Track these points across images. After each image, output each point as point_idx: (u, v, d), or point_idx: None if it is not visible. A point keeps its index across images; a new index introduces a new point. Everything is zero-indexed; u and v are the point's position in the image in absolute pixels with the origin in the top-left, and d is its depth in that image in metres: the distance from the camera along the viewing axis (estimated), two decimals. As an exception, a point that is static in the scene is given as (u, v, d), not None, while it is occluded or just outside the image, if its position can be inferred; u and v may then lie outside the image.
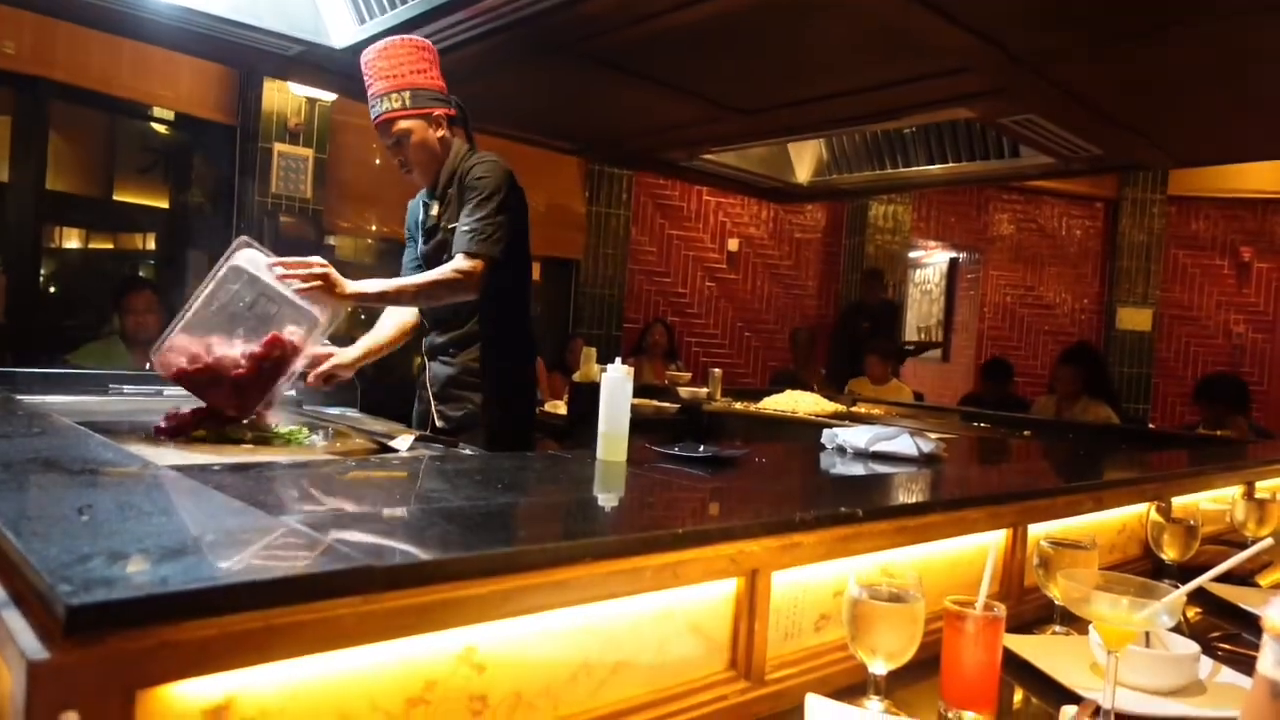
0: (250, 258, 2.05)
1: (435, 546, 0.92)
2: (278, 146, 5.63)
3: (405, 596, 0.81)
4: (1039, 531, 1.65)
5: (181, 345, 2.00)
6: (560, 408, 4.63)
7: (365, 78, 2.39)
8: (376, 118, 2.39)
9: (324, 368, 2.30)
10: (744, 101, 3.69)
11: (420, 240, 2.58)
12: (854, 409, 4.61)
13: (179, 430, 1.96)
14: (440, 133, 2.44)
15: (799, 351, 6.89)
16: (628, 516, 1.29)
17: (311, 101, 5.64)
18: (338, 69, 3.56)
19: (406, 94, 2.35)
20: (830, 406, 4.48)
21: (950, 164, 4.62)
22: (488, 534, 1.04)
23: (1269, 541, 1.16)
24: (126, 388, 2.83)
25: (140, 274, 6.12)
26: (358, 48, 3.24)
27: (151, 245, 6.31)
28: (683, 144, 4.46)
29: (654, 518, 1.29)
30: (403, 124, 2.37)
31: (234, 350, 2.00)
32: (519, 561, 0.90)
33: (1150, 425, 6.39)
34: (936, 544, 1.47)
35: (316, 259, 2.07)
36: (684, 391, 4.71)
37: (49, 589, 0.67)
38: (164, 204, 6.08)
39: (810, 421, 4.08)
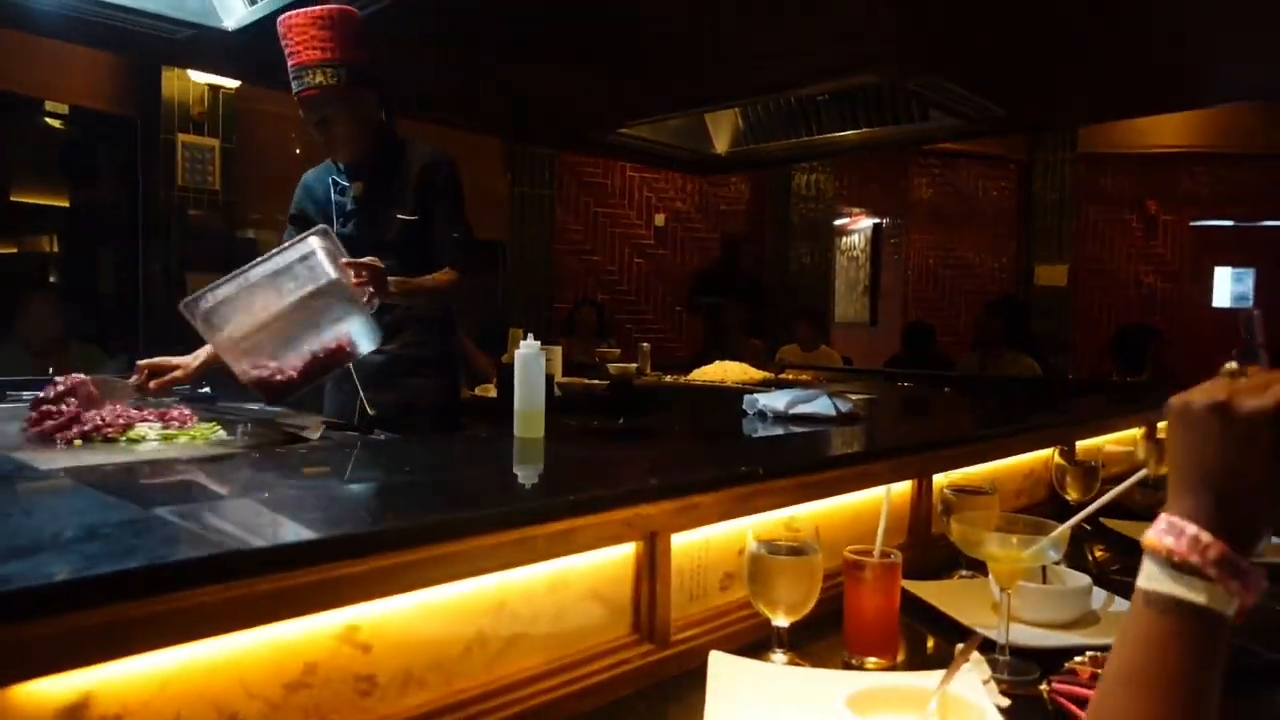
0: (326, 246, 1.95)
1: (313, 527, 0.90)
2: (181, 137, 5.42)
3: (276, 580, 0.79)
4: (943, 480, 1.69)
5: (233, 323, 1.87)
6: (491, 391, 4.59)
7: (287, 44, 2.23)
8: (303, 90, 2.24)
9: (165, 378, 2.15)
10: (652, 72, 3.67)
11: (336, 223, 2.49)
12: (783, 376, 4.67)
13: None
14: (371, 112, 2.36)
15: (728, 323, 6.94)
16: (524, 488, 1.28)
17: (214, 89, 5.44)
18: (234, 52, 3.44)
19: (343, 69, 2.21)
20: (759, 374, 4.52)
21: (864, 129, 4.68)
22: (373, 513, 1.02)
23: (1144, 472, 1.20)
24: (25, 394, 2.71)
25: (41, 275, 5.85)
26: (251, 29, 3.14)
27: (55, 247, 6.05)
28: (597, 120, 4.43)
29: (548, 487, 1.28)
30: (336, 103, 2.25)
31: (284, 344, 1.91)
32: (399, 538, 0.88)
33: (1069, 376, 6.62)
34: (842, 498, 1.49)
35: (373, 259, 2.00)
36: (613, 368, 4.71)
37: (-126, 594, 0.63)
38: (64, 203, 5.83)
39: (738, 390, 4.11)
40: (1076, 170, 8.37)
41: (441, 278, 2.35)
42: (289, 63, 2.24)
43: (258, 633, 0.80)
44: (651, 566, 1.14)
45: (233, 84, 5.43)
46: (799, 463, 1.42)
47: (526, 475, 1.41)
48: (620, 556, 1.13)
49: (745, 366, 4.72)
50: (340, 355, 1.96)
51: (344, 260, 1.94)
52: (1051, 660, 1.20)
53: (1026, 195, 8.54)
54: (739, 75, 3.69)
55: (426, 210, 2.40)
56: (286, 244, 1.99)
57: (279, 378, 1.92)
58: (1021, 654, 1.21)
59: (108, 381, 2.19)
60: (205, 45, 3.39)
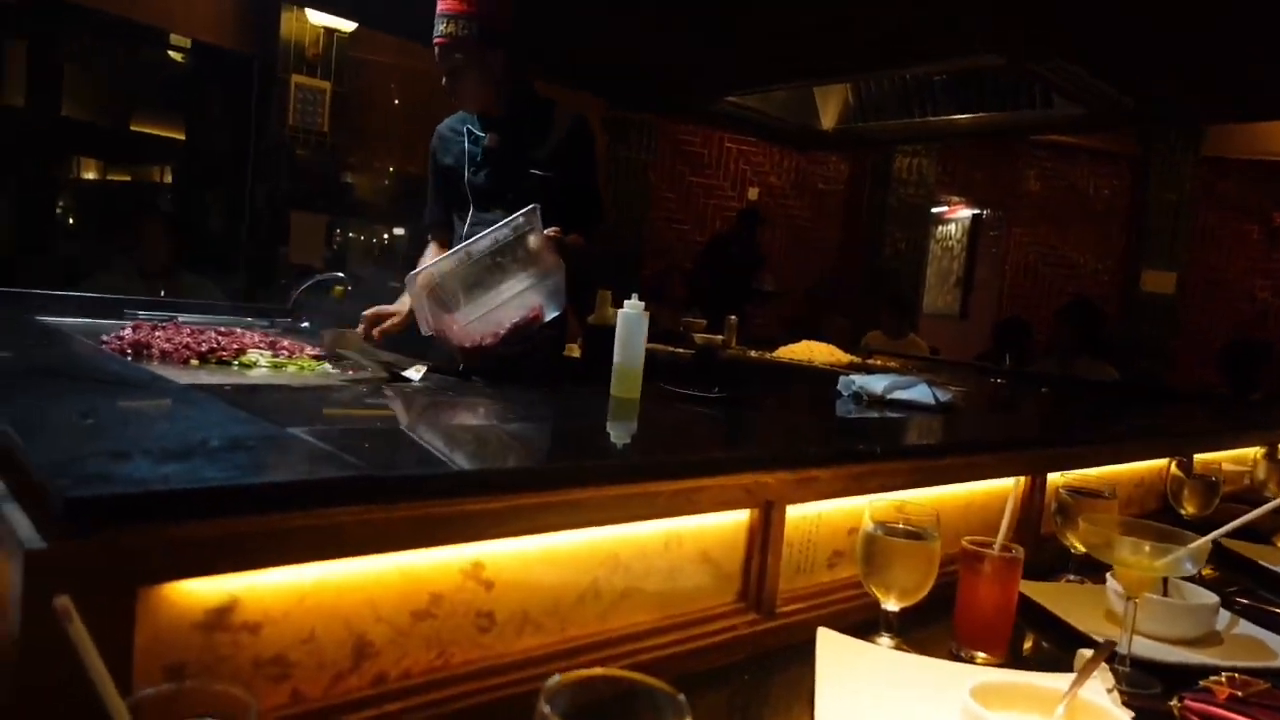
0: (536, 225, 2.06)
1: (441, 463, 0.90)
2: (295, 78, 5.54)
3: (410, 508, 0.79)
4: (1057, 480, 1.62)
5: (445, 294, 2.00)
6: (575, 351, 4.61)
7: None
8: (436, 37, 2.28)
9: (386, 325, 2.31)
10: (769, 41, 3.59)
11: (466, 170, 2.52)
12: (870, 361, 4.58)
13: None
14: (496, 70, 2.38)
15: (816, 302, 6.83)
16: (643, 444, 1.27)
17: (330, 32, 5.54)
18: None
19: (475, 23, 2.25)
20: (846, 357, 4.44)
21: (977, 114, 4.51)
22: (501, 453, 1.02)
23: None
24: (141, 313, 2.82)
25: (156, 204, 6.09)
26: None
27: (168, 178, 6.27)
28: (705, 87, 4.37)
29: (670, 445, 1.27)
30: (462, 55, 2.27)
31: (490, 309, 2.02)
32: (533, 479, 0.88)
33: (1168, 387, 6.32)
34: (951, 487, 1.44)
35: (556, 229, 2.10)
36: (699, 337, 4.68)
37: (48, 482, 0.65)
38: (180, 135, 6.03)
39: (825, 371, 4.04)
40: (1197, 172, 7.94)
41: (578, 240, 2.36)
42: (437, 6, 2.28)
43: (390, 558, 0.80)
44: (765, 536, 1.12)
45: (346, 28, 5.51)
46: (916, 446, 1.37)
47: (636, 433, 1.40)
48: (734, 522, 1.11)
49: (833, 348, 4.64)
50: (534, 322, 2.06)
51: (547, 233, 2.04)
52: (1173, 676, 1.14)
53: (1141, 195, 8.13)
54: (857, 48, 3.58)
55: (564, 169, 2.43)
56: (503, 222, 2.05)
57: (487, 342, 2.00)
58: (1142, 666, 1.15)
59: (338, 332, 2.34)
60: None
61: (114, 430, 0.86)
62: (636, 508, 0.97)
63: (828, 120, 5.07)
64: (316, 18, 5.37)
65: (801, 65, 3.91)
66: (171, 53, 5.91)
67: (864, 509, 1.17)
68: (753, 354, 4.58)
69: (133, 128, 5.94)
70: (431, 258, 2.65)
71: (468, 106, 2.43)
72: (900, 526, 1.15)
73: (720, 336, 4.70)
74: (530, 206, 2.04)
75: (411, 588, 0.83)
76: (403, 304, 2.40)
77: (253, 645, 0.73)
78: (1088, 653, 1.09)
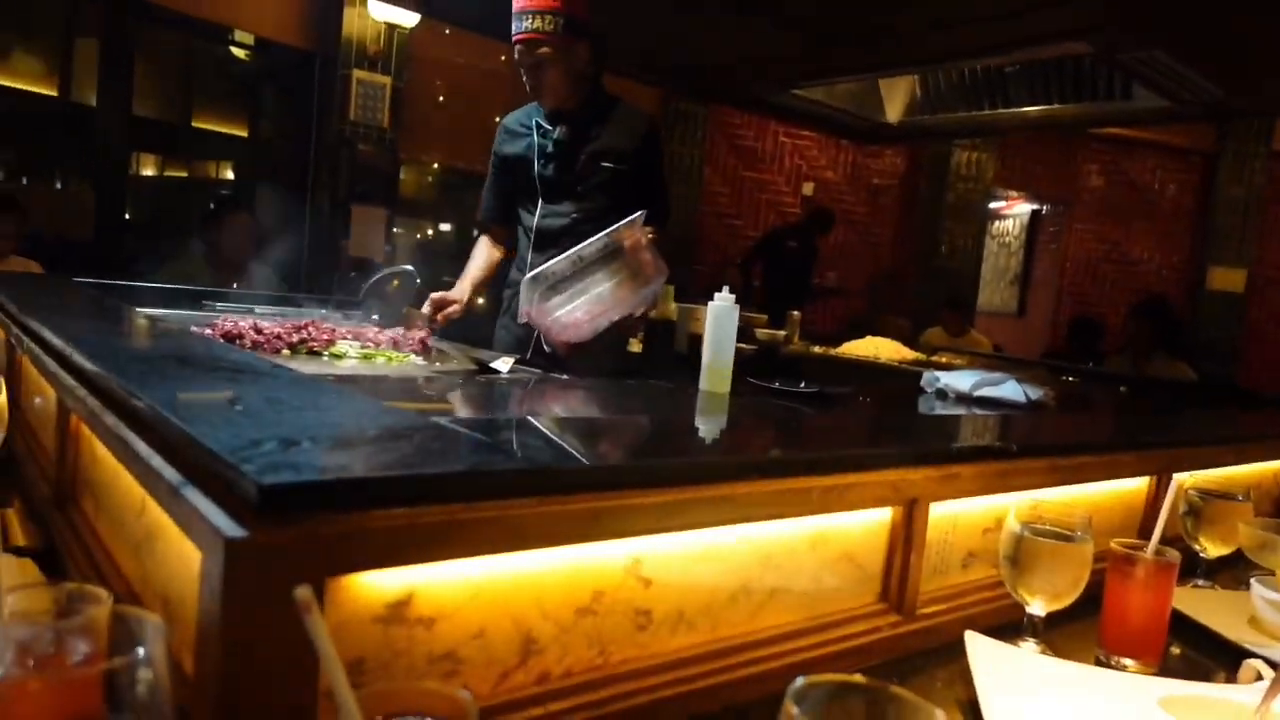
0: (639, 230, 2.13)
1: (601, 456, 0.87)
2: (357, 73, 5.58)
3: (579, 501, 0.76)
4: (1184, 481, 1.55)
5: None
6: (636, 345, 4.59)
7: None
8: (520, 33, 2.29)
9: (448, 310, 2.42)
10: (841, 32, 3.52)
11: (536, 162, 2.52)
12: (934, 358, 4.49)
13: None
14: (581, 63, 2.37)
15: (875, 299, 6.73)
16: (772, 440, 1.23)
17: (391, 27, 5.57)
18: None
19: (561, 18, 2.26)
20: (911, 354, 4.36)
21: (1052, 105, 4.39)
22: (651, 447, 0.99)
23: None
24: (219, 304, 2.85)
25: (236, 198, 6.16)
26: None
27: (229, 174, 6.36)
28: (772, 78, 4.31)
29: (809, 442, 1.23)
30: (549, 50, 2.29)
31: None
32: (692, 474, 0.84)
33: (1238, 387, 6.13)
34: (1083, 487, 1.38)
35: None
36: (761, 333, 4.62)
37: (234, 469, 0.63)
38: (243, 132, 6.11)
39: (892, 368, 3.97)
40: (1268, 167, 7.68)
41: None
42: (514, 5, 2.27)
43: (558, 553, 0.77)
44: (908, 534, 1.07)
45: (408, 23, 5.54)
46: (1052, 444, 1.32)
47: (763, 430, 1.36)
48: (877, 521, 1.06)
49: (897, 344, 4.57)
50: (627, 320, 2.15)
51: (648, 239, 2.12)
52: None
53: (1208, 191, 7.90)
54: (933, 37, 3.50)
55: (633, 165, 2.46)
56: (613, 228, 2.10)
57: (584, 337, 2.06)
58: (1306, 678, 1.09)
59: (408, 312, 2.44)
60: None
61: (268, 417, 0.84)
62: (788, 504, 0.93)
63: (893, 113, 4.99)
64: (379, 12, 5.40)
65: (873, 58, 3.84)
66: (235, 49, 5.98)
67: (1005, 508, 1.12)
68: (816, 350, 4.52)
69: (195, 124, 6.02)
70: (484, 252, 2.68)
71: (548, 102, 2.43)
72: (1046, 527, 1.10)
73: (783, 332, 4.65)
74: (638, 214, 2.07)
75: (576, 584, 0.80)
76: (462, 291, 2.51)
77: (427, 640, 0.71)
78: (1257, 664, 1.04)
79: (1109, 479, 1.39)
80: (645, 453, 0.89)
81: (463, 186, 6.88)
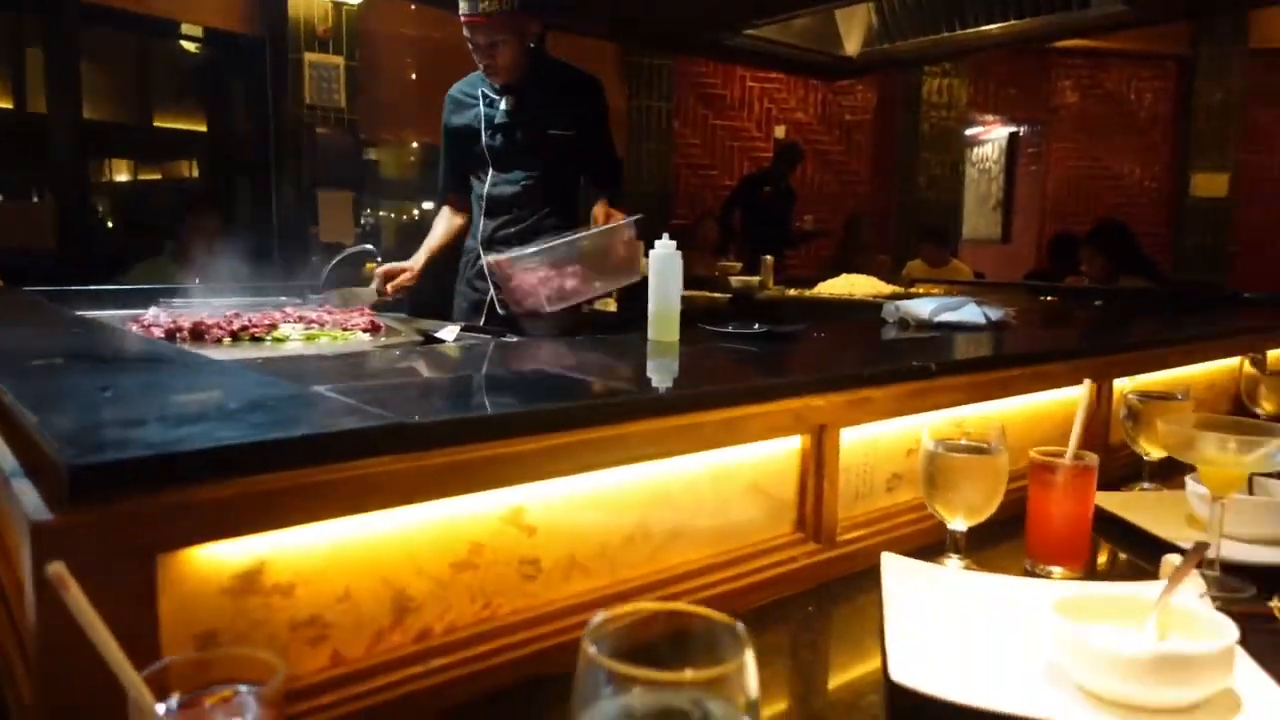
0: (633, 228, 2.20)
1: (474, 408, 0.86)
2: (308, 56, 5.49)
3: (443, 454, 0.75)
4: (1125, 386, 1.54)
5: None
6: (611, 305, 4.56)
7: None
8: (472, 15, 2.24)
9: (399, 280, 2.44)
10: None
11: (485, 135, 2.48)
12: (912, 290, 4.46)
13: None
14: (532, 37, 2.35)
15: (852, 237, 6.67)
16: (685, 379, 1.22)
17: (338, 6, 5.47)
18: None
19: None
20: (887, 288, 4.34)
21: (1010, 21, 4.31)
22: (534, 395, 0.97)
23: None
24: (175, 300, 2.83)
25: (200, 195, 6.10)
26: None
27: (194, 171, 6.30)
28: (721, 20, 4.22)
29: (713, 378, 1.21)
30: (503, 30, 2.25)
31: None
32: (571, 417, 0.83)
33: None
34: (1013, 400, 1.37)
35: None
36: (735, 281, 4.60)
37: (54, 453, 0.62)
38: (202, 127, 6.03)
39: (868, 303, 3.95)
40: (1247, 67, 7.55)
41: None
42: None
43: (426, 509, 0.76)
44: (819, 462, 1.06)
45: (354, 0, 5.44)
46: (972, 359, 1.30)
47: (678, 369, 1.34)
48: (786, 451, 1.05)
49: (873, 279, 4.54)
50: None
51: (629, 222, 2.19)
52: (1267, 577, 1.07)
53: (1186, 97, 7.77)
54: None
55: (580, 130, 2.43)
56: (609, 226, 2.20)
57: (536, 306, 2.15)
58: (1233, 570, 1.08)
59: (351, 292, 2.43)
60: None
61: (132, 400, 0.82)
62: (681, 441, 0.91)
63: (852, 45, 4.90)
64: (323, -9, 5.30)
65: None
66: (184, 43, 5.89)
67: (922, 428, 1.10)
68: (791, 293, 4.49)
69: (156, 124, 5.95)
70: (445, 220, 2.69)
71: (501, 78, 2.39)
72: (962, 443, 1.08)
73: (757, 278, 4.62)
74: (636, 216, 2.16)
75: (451, 538, 0.79)
76: (416, 260, 2.52)
77: (286, 608, 0.70)
78: (1175, 559, 1.03)
79: (1039, 391, 1.37)
80: (527, 400, 0.87)
81: (436, 163, 6.81)
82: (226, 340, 1.98)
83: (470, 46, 2.32)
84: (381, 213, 6.56)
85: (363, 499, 0.71)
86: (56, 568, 0.47)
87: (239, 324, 2.02)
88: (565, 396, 0.93)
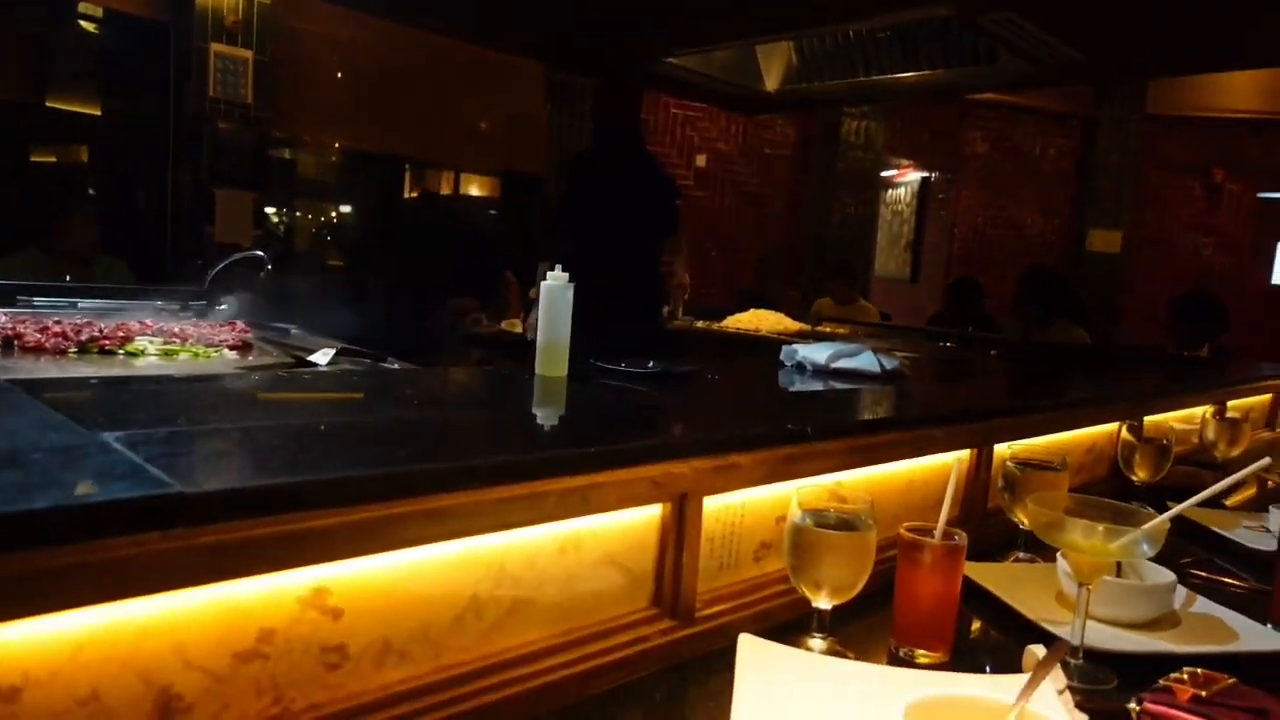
0: None
1: (279, 470, 0.76)
2: (214, 47, 5.24)
3: (224, 531, 0.65)
4: (1005, 451, 1.52)
5: None
6: (518, 326, 4.46)
7: None
8: None
9: None
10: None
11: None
12: (819, 328, 4.49)
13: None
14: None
15: (766, 270, 6.73)
16: (538, 435, 1.13)
17: (249, -1, 5.25)
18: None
19: None
20: (795, 325, 4.35)
21: (923, 70, 4.40)
22: (356, 456, 0.87)
23: (1267, 460, 1.02)
24: (37, 299, 2.62)
25: (74, 185, 5.76)
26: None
27: (86, 157, 5.95)
28: (645, 46, 4.20)
29: (568, 436, 1.13)
30: None
31: None
32: (381, 487, 0.73)
33: (1118, 345, 6.33)
34: (892, 465, 1.33)
35: None
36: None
37: None
38: (96, 111, 5.70)
39: (774, 340, 3.94)
40: (1142, 131, 7.95)
41: None
42: None
43: (200, 592, 0.66)
44: (679, 532, 0.99)
45: (267, -7, 5.23)
46: (850, 424, 1.25)
47: (544, 418, 1.26)
48: (644, 519, 0.98)
49: (781, 316, 4.56)
50: None
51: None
52: (1130, 667, 1.05)
53: (1086, 156, 8.13)
54: (799, 2, 3.44)
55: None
56: None
57: None
58: (1096, 658, 1.05)
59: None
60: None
61: None
62: (517, 513, 0.83)
63: (771, 81, 4.94)
64: (233, -19, 5.08)
65: (742, 22, 3.76)
66: (83, 23, 5.57)
67: (793, 494, 1.05)
68: (699, 325, 4.47)
69: (48, 104, 5.60)
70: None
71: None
72: (832, 514, 1.03)
73: (665, 308, 4.58)
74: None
75: (234, 624, 0.68)
76: None
77: (12, 716, 0.59)
78: (1038, 650, 0.99)
79: (918, 456, 1.33)
80: (332, 464, 0.78)
81: (353, 169, 6.59)
82: (72, 351, 1.81)
83: None
84: (297, 214, 6.31)
85: (118, 585, 0.61)
86: None
87: (87, 334, 1.86)
88: (387, 458, 0.83)
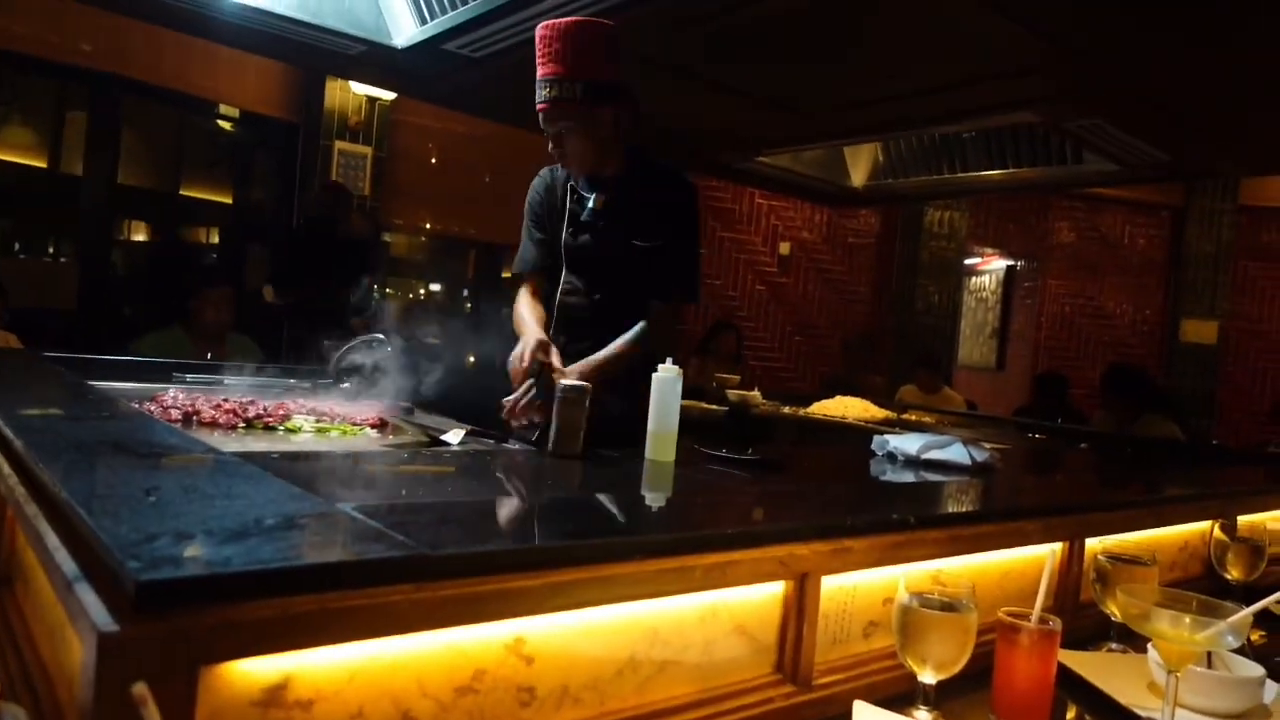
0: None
1: (488, 539, 0.93)
2: (338, 144, 5.75)
3: (457, 586, 0.82)
4: (1096, 545, 1.61)
5: None
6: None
7: (537, 54, 2.18)
8: (539, 103, 2.16)
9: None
10: (802, 103, 3.66)
11: (566, 229, 2.37)
12: (904, 416, 4.55)
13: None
14: (606, 129, 2.22)
15: (850, 357, 6.81)
16: (678, 515, 1.29)
17: (371, 100, 5.75)
18: (398, 68, 3.62)
19: (578, 85, 2.11)
20: (880, 413, 4.42)
21: (1009, 169, 4.53)
22: (539, 528, 1.05)
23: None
24: (189, 377, 2.91)
25: (216, 271, 6.22)
26: (418, 47, 3.31)
27: (215, 239, 6.49)
28: (737, 146, 4.45)
29: (704, 518, 1.29)
30: (567, 119, 2.15)
31: None
32: (569, 556, 0.90)
33: (1214, 442, 6.19)
34: (989, 554, 1.44)
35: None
36: (732, 394, 4.69)
37: (119, 565, 0.69)
38: (228, 199, 6.25)
39: (859, 427, 4.03)
40: (1236, 221, 7.87)
41: (626, 348, 2.20)
42: (537, 73, 2.16)
43: (436, 635, 0.83)
44: (800, 607, 1.13)
45: (389, 96, 5.71)
46: (952, 514, 1.38)
47: (670, 503, 1.42)
48: (770, 595, 1.12)
49: (866, 403, 4.63)
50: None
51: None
52: (1219, 752, 1.13)
53: (1177, 245, 8.07)
54: (890, 107, 3.64)
55: (668, 240, 2.28)
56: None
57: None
58: (1186, 743, 1.14)
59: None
60: (373, 60, 3.59)
61: (176, 507, 0.90)
62: (670, 582, 0.99)
63: (858, 177, 5.13)
64: (359, 88, 5.57)
65: (833, 128, 3.98)
66: (221, 122, 6.15)
67: (899, 578, 1.18)
68: (786, 410, 4.58)
69: (183, 192, 6.16)
70: (526, 303, 2.39)
71: (575, 170, 2.29)
72: (935, 598, 1.15)
73: (755, 392, 4.72)
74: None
75: (456, 664, 0.85)
76: (538, 333, 2.22)
77: (305, 721, 0.76)
78: (1130, 730, 1.09)
79: (1013, 547, 1.45)
80: (528, 535, 0.95)
81: (452, 250, 7.02)
82: (241, 427, 2.06)
83: (546, 136, 2.23)
84: (389, 290, 6.73)
85: (383, 624, 0.78)
86: (140, 688, 0.54)
87: (254, 412, 2.11)
88: (566, 532, 1.01)
